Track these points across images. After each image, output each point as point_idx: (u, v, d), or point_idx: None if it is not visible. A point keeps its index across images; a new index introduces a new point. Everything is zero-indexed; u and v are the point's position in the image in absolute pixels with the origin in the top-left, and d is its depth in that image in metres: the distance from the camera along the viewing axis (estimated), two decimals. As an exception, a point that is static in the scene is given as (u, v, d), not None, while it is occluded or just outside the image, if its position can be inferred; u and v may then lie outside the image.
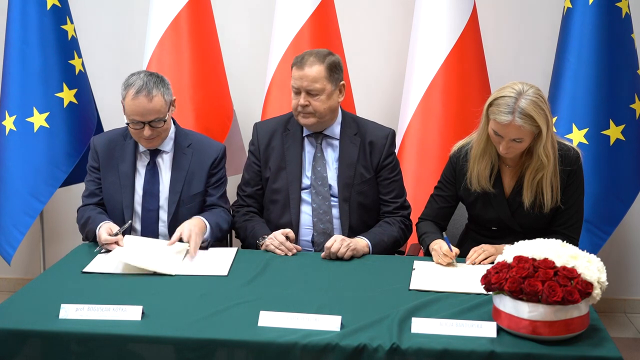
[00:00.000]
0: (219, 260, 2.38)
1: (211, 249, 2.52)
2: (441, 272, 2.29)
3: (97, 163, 2.69)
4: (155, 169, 2.67)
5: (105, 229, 2.47)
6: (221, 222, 2.64)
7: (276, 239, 2.48)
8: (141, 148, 2.67)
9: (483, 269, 1.92)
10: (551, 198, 2.40)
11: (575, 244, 2.39)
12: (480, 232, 2.59)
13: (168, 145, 2.68)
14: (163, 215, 2.66)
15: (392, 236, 2.62)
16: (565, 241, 2.24)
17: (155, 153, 2.67)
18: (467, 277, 2.20)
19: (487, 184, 2.46)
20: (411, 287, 2.14)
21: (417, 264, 2.35)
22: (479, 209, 2.53)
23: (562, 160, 2.41)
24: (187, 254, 2.41)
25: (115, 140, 2.70)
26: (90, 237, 2.56)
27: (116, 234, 2.45)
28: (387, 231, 2.62)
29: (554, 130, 2.43)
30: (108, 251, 2.42)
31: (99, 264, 2.34)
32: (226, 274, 2.27)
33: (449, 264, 2.33)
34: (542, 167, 2.36)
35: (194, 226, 2.48)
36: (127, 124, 2.56)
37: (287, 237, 2.49)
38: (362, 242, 2.50)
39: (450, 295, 2.08)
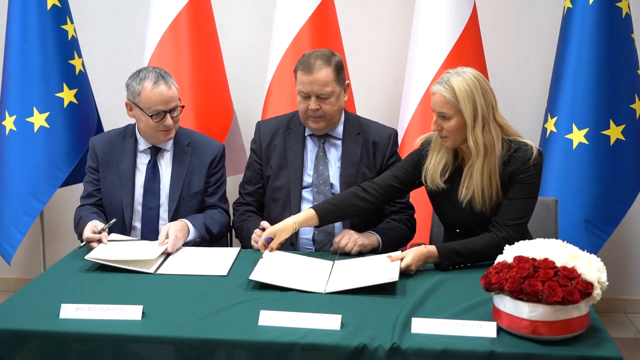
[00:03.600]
0: (219, 260, 2.38)
1: (212, 249, 2.53)
2: (286, 264, 2.28)
3: (96, 163, 2.70)
4: (156, 167, 2.67)
5: (90, 227, 2.47)
6: (211, 225, 2.65)
7: (256, 236, 2.49)
8: (141, 147, 2.68)
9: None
10: (487, 195, 2.32)
11: (503, 241, 2.24)
12: (451, 237, 2.52)
13: (169, 143, 2.69)
14: (163, 214, 2.67)
15: (401, 234, 2.62)
16: (490, 234, 2.30)
17: (156, 151, 2.68)
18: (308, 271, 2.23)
19: (438, 181, 2.40)
20: (251, 277, 2.13)
21: (267, 253, 2.33)
22: (443, 211, 2.50)
23: (510, 161, 2.32)
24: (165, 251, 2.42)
25: (114, 139, 2.71)
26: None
27: (100, 232, 2.45)
28: (395, 228, 2.62)
29: (504, 125, 2.34)
30: (90, 249, 2.40)
31: (102, 252, 2.34)
32: (226, 274, 2.27)
33: None
34: (474, 158, 2.31)
35: (178, 230, 2.48)
36: (151, 116, 2.56)
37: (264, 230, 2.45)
38: (372, 237, 2.50)
39: (448, 294, 2.08)
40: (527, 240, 1.94)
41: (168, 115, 2.58)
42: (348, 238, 2.42)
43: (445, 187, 2.41)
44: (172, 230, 2.47)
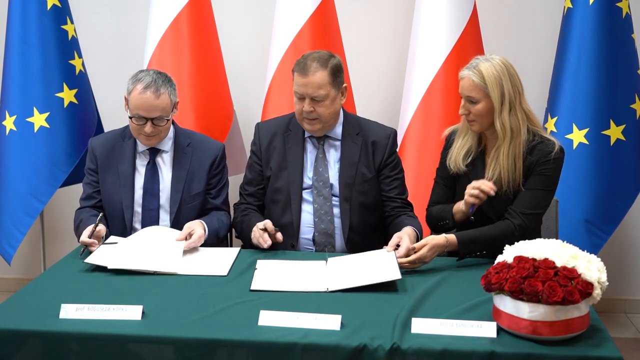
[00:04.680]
0: (220, 260, 2.38)
1: (212, 249, 2.53)
2: (282, 271, 2.28)
3: (95, 165, 2.70)
4: (155, 169, 2.67)
5: (87, 231, 2.45)
6: (220, 228, 2.66)
7: (257, 231, 2.47)
8: (140, 147, 2.68)
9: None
10: (512, 177, 2.40)
11: (517, 228, 2.35)
12: (463, 226, 2.57)
13: (167, 144, 2.69)
14: (163, 215, 2.67)
15: (420, 229, 2.62)
16: (505, 221, 2.36)
17: (155, 152, 2.68)
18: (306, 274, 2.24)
19: (460, 164, 2.49)
20: (252, 288, 2.12)
21: (260, 263, 2.33)
22: (460, 196, 2.53)
23: (533, 151, 2.41)
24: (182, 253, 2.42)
25: (113, 140, 2.70)
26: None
27: (92, 233, 2.43)
28: (416, 225, 2.60)
29: (529, 113, 2.44)
30: (89, 252, 2.39)
31: (101, 256, 2.33)
32: (226, 273, 2.27)
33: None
34: (501, 141, 2.40)
35: (202, 235, 2.50)
36: (130, 117, 2.56)
37: (266, 229, 2.46)
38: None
39: (448, 294, 2.08)
40: (527, 240, 1.94)
41: (149, 123, 2.55)
42: (407, 248, 2.32)
43: (466, 170, 2.49)
44: (198, 232, 2.48)
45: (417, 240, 2.44)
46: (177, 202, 2.66)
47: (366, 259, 2.32)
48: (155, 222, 2.66)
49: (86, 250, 2.43)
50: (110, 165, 2.68)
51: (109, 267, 2.26)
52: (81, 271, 2.28)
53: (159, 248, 2.42)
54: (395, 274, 2.12)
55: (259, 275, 2.22)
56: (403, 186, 2.73)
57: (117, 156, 2.67)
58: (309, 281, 2.17)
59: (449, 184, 2.62)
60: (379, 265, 2.23)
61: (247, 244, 2.60)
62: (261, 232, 2.45)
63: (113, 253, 2.35)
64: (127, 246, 2.41)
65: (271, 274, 2.24)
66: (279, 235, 2.47)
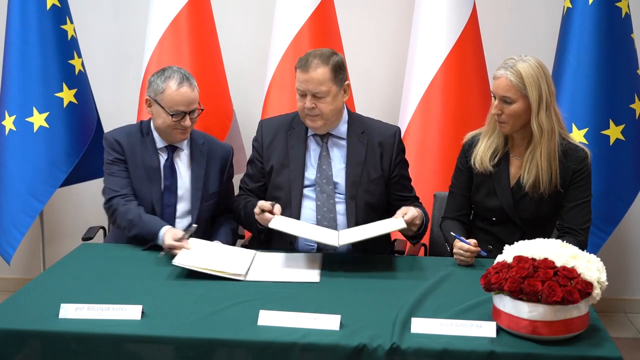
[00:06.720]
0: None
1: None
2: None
3: (123, 155, 2.65)
4: (173, 166, 2.69)
5: (171, 235, 2.40)
6: (230, 238, 2.72)
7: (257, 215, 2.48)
8: (158, 145, 2.69)
9: None
10: (548, 178, 2.41)
11: (583, 244, 2.43)
12: (481, 221, 2.59)
13: (184, 142, 2.71)
14: (181, 212, 2.68)
15: (426, 218, 2.63)
16: (572, 238, 2.37)
17: (172, 150, 2.69)
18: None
19: (487, 164, 2.49)
20: (271, 225, 2.28)
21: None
22: (481, 196, 2.55)
23: (567, 156, 2.44)
24: (254, 258, 2.40)
25: (134, 135, 2.70)
26: (133, 237, 2.53)
27: (181, 239, 2.38)
28: (424, 212, 2.63)
29: (559, 115, 2.45)
30: (173, 256, 2.32)
31: (185, 257, 2.29)
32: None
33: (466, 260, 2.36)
34: (537, 142, 2.40)
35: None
36: (171, 115, 2.57)
37: (264, 210, 2.46)
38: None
39: (448, 294, 2.08)
40: (526, 240, 1.94)
41: (187, 116, 2.60)
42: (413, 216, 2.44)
43: (492, 170, 2.49)
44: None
45: (422, 223, 2.53)
46: (198, 200, 2.68)
47: (376, 223, 2.44)
48: (172, 218, 2.66)
49: (166, 254, 2.37)
50: (135, 159, 2.66)
51: (174, 262, 2.23)
52: (81, 271, 2.28)
53: (228, 254, 2.40)
54: (400, 224, 2.27)
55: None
56: (411, 183, 2.77)
57: (142, 151, 2.66)
58: (321, 234, 2.35)
59: (465, 192, 2.61)
60: (385, 222, 2.37)
61: (247, 227, 2.69)
62: (259, 216, 2.46)
63: (191, 255, 2.32)
64: (201, 249, 2.39)
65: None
66: (277, 209, 2.46)
